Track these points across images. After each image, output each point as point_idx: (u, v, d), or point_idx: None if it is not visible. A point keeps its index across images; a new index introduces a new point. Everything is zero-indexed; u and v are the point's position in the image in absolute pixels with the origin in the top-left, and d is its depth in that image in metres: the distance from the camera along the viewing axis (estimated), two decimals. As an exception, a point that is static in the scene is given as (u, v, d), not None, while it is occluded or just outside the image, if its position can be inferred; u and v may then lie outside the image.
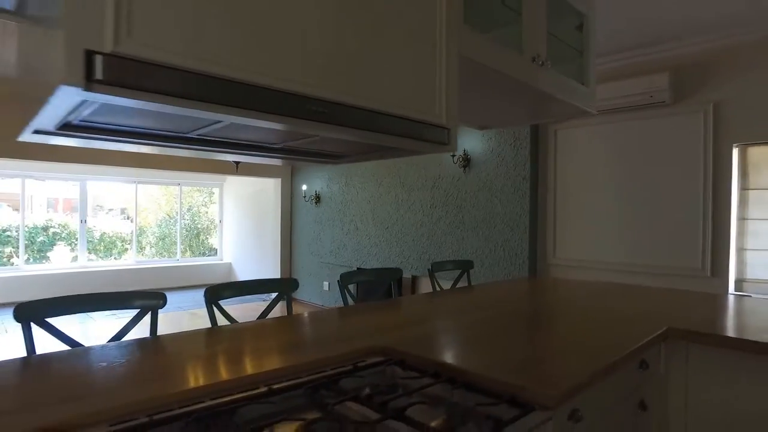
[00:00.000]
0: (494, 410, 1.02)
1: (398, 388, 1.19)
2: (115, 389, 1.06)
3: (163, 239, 9.99)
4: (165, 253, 9.85)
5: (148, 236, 9.77)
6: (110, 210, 9.48)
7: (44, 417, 0.90)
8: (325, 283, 6.63)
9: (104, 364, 1.25)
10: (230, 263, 9.01)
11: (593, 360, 1.33)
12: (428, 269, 2.79)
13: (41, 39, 0.78)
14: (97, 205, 9.11)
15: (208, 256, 9.88)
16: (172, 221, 10.08)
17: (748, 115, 3.33)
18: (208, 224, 10.33)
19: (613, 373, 1.37)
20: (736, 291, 3.40)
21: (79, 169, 7.21)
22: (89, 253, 8.50)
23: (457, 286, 2.84)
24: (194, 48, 0.78)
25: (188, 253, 9.91)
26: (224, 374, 1.16)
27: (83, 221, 7.81)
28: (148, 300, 1.63)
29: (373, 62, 1.09)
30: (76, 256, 8.33)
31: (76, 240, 8.50)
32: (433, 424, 0.96)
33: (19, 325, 1.41)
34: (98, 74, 0.70)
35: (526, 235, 4.46)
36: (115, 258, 9.32)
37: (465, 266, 3.00)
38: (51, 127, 1.05)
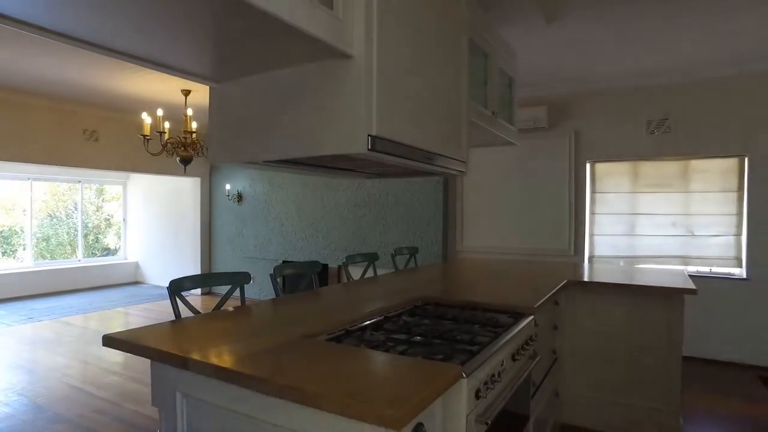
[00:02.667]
0: (505, 317, 1.94)
1: (447, 313, 2.04)
2: (320, 317, 1.77)
3: (47, 240, 9.33)
4: (47, 255, 9.21)
5: (21, 237, 9.02)
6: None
7: (298, 331, 1.59)
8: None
9: (293, 308, 1.91)
10: (137, 262, 8.84)
11: (540, 295, 2.31)
12: (391, 254, 3.65)
13: (333, 126, 1.50)
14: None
15: (103, 256, 9.48)
16: (55, 221, 9.44)
17: (594, 141, 4.76)
18: (99, 223, 9.86)
19: (546, 305, 2.37)
20: (588, 263, 4.82)
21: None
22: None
23: (398, 269, 3.74)
24: (395, 132, 1.57)
25: (76, 254, 9.38)
26: (363, 309, 1.91)
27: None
28: (240, 278, 2.25)
29: (446, 131, 1.94)
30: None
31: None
32: (480, 321, 1.84)
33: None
34: (370, 146, 1.46)
35: (439, 228, 5.54)
36: (-19, 262, 8.50)
37: (413, 251, 3.91)
38: (260, 161, 1.72)
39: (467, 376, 1.28)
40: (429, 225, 5.61)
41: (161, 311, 6.51)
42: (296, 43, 1.37)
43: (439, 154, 1.92)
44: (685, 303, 2.77)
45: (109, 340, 1.50)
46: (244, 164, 1.77)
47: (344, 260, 3.02)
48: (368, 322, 1.83)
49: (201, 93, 4.91)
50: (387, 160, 1.59)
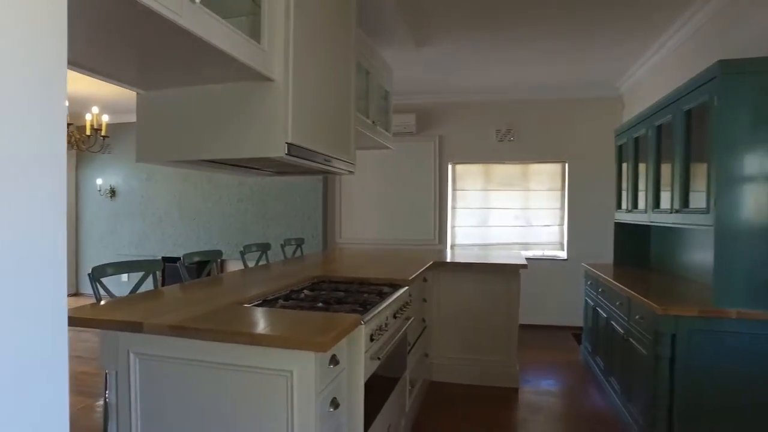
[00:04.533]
0: (387, 288, 2.46)
1: (340, 287, 2.50)
2: (238, 293, 2.09)
3: None
4: None
5: None
6: None
7: (226, 301, 1.92)
8: (124, 276, 6.78)
9: (209, 287, 2.19)
10: (-21, 265, 7.81)
11: (413, 272, 2.88)
12: (281, 244, 4.01)
13: (257, 134, 1.86)
14: None
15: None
16: None
17: (455, 146, 5.59)
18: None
19: (415, 280, 2.95)
20: (450, 250, 5.64)
21: None
22: None
23: (287, 257, 4.13)
24: (305, 140, 1.99)
25: None
26: (271, 287, 2.27)
27: None
28: (153, 265, 2.46)
29: (340, 138, 2.39)
30: None
31: None
32: (367, 291, 2.34)
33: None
34: (287, 151, 1.86)
35: (320, 222, 5.97)
36: None
37: (300, 242, 4.30)
38: (187, 160, 2.01)
39: (365, 323, 1.75)
40: (310, 219, 6.01)
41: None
42: (232, 69, 1.71)
43: (336, 158, 2.37)
44: (522, 280, 3.58)
45: (50, 318, 1.68)
46: (169, 163, 2.03)
47: (242, 249, 3.31)
48: (279, 295, 2.21)
49: (80, 83, 4.72)
50: (298, 162, 1.99)
